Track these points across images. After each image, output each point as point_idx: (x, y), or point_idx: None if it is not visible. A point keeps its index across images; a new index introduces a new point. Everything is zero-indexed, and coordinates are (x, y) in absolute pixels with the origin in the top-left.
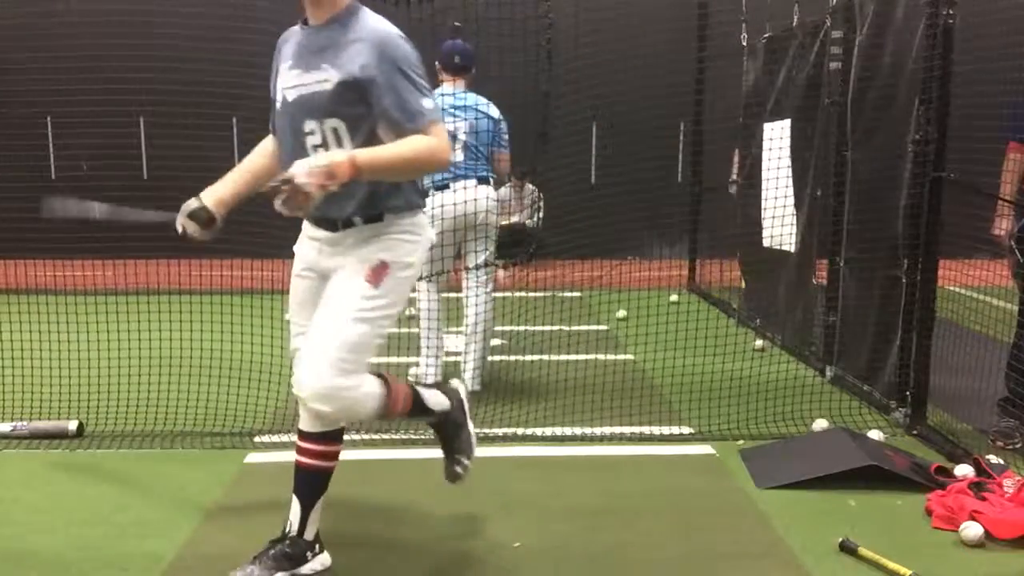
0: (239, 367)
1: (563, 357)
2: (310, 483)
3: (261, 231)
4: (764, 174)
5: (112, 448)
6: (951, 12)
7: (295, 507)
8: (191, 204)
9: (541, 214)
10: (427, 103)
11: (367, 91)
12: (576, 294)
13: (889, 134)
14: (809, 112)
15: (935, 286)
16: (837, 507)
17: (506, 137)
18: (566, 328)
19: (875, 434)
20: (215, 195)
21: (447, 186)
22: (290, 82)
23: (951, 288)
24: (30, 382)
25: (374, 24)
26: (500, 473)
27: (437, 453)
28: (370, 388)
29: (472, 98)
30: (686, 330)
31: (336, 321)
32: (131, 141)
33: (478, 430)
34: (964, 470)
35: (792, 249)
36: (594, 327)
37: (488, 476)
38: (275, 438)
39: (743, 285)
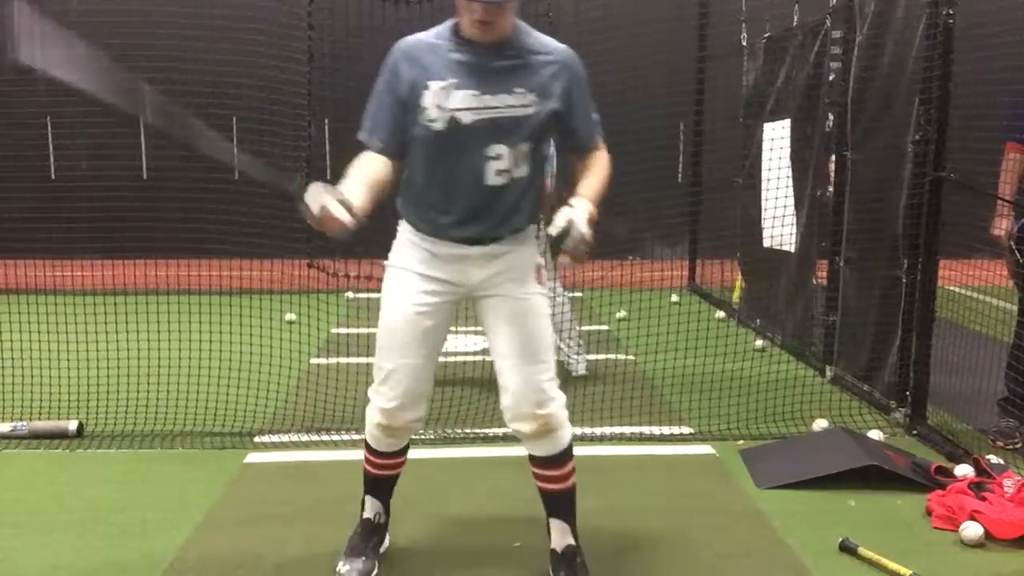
0: (239, 367)
1: (563, 359)
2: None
3: (260, 232)
4: (764, 174)
5: (112, 448)
6: (951, 12)
7: (380, 505)
8: (331, 189)
9: (541, 214)
10: (596, 116)
11: (565, 114)
12: (577, 294)
13: (889, 134)
14: (809, 112)
15: (935, 286)
16: (837, 507)
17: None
18: None
19: (875, 434)
20: (355, 197)
21: None
22: (466, 103)
23: (951, 288)
24: (30, 382)
25: (555, 43)
26: (500, 473)
27: (436, 453)
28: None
29: None
30: (687, 330)
31: (546, 333)
32: (131, 141)
33: (479, 430)
34: (964, 470)
35: (792, 249)
36: (594, 327)
37: (488, 476)
38: (275, 438)
39: (737, 287)
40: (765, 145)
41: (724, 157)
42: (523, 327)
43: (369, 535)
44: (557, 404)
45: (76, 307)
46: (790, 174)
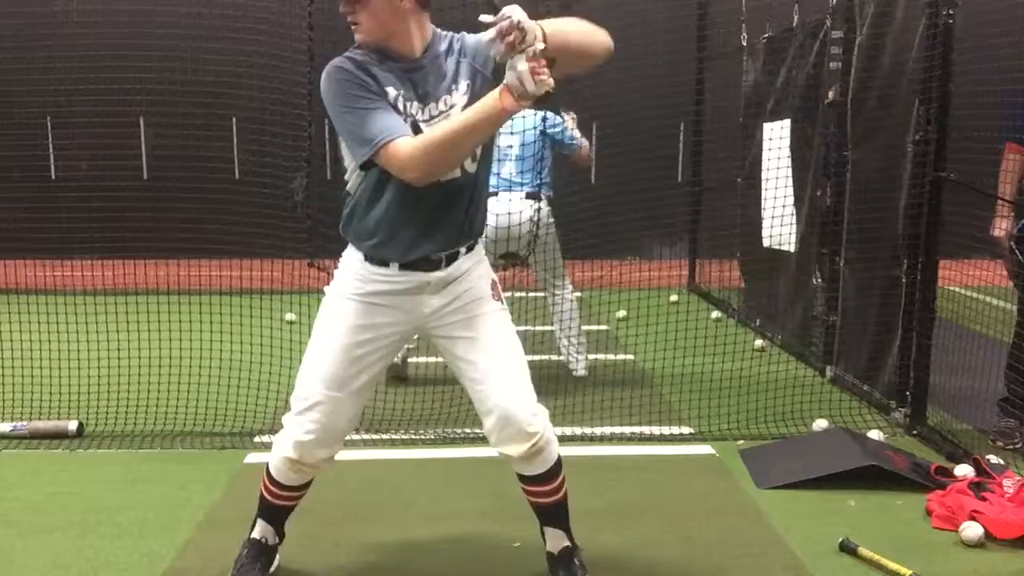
0: (239, 367)
1: (563, 357)
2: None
3: (260, 232)
4: (764, 174)
5: (112, 448)
6: (951, 12)
7: (272, 530)
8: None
9: (541, 214)
10: None
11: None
12: (576, 294)
13: (889, 134)
14: (809, 112)
15: (935, 286)
16: (837, 507)
17: (563, 132)
18: None
19: (875, 434)
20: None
21: (495, 193)
22: (418, 115)
23: (951, 288)
24: (30, 382)
25: (449, 34)
26: (500, 473)
27: (436, 453)
28: None
29: None
30: (686, 330)
31: (518, 350)
32: (131, 141)
33: (479, 430)
34: (964, 470)
35: (792, 249)
36: (594, 327)
37: (488, 476)
38: (275, 438)
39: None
40: (765, 145)
41: (724, 157)
42: (494, 345)
43: (256, 557)
44: (543, 419)
45: (76, 307)
46: (790, 174)
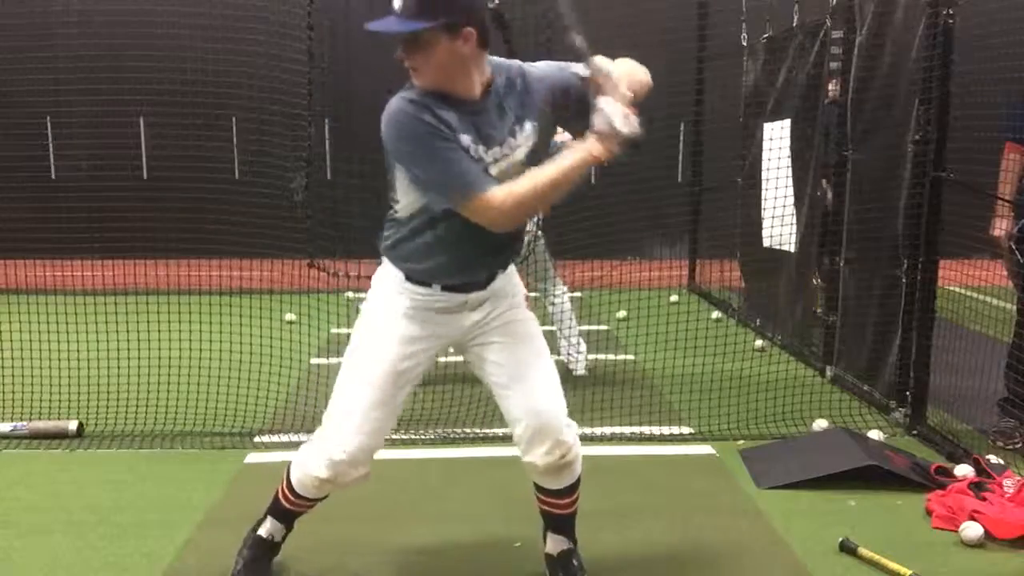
0: (239, 367)
1: (563, 357)
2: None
3: (260, 232)
4: (764, 174)
5: (112, 448)
6: (951, 12)
7: (283, 529)
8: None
9: (541, 215)
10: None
11: (558, 90)
12: (576, 294)
13: (889, 134)
14: (809, 112)
15: (935, 286)
16: (837, 507)
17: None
18: None
19: (875, 434)
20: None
21: None
22: (486, 158)
23: (951, 288)
24: (30, 382)
25: (501, 61)
26: (500, 473)
27: (436, 453)
28: None
29: None
30: (686, 330)
31: (549, 359)
32: (131, 141)
33: (478, 430)
34: (964, 470)
35: (792, 249)
36: (594, 327)
37: (488, 476)
38: (275, 438)
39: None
40: (765, 145)
41: (724, 157)
42: (528, 353)
43: (259, 555)
44: (574, 431)
45: (76, 307)
46: (790, 174)
